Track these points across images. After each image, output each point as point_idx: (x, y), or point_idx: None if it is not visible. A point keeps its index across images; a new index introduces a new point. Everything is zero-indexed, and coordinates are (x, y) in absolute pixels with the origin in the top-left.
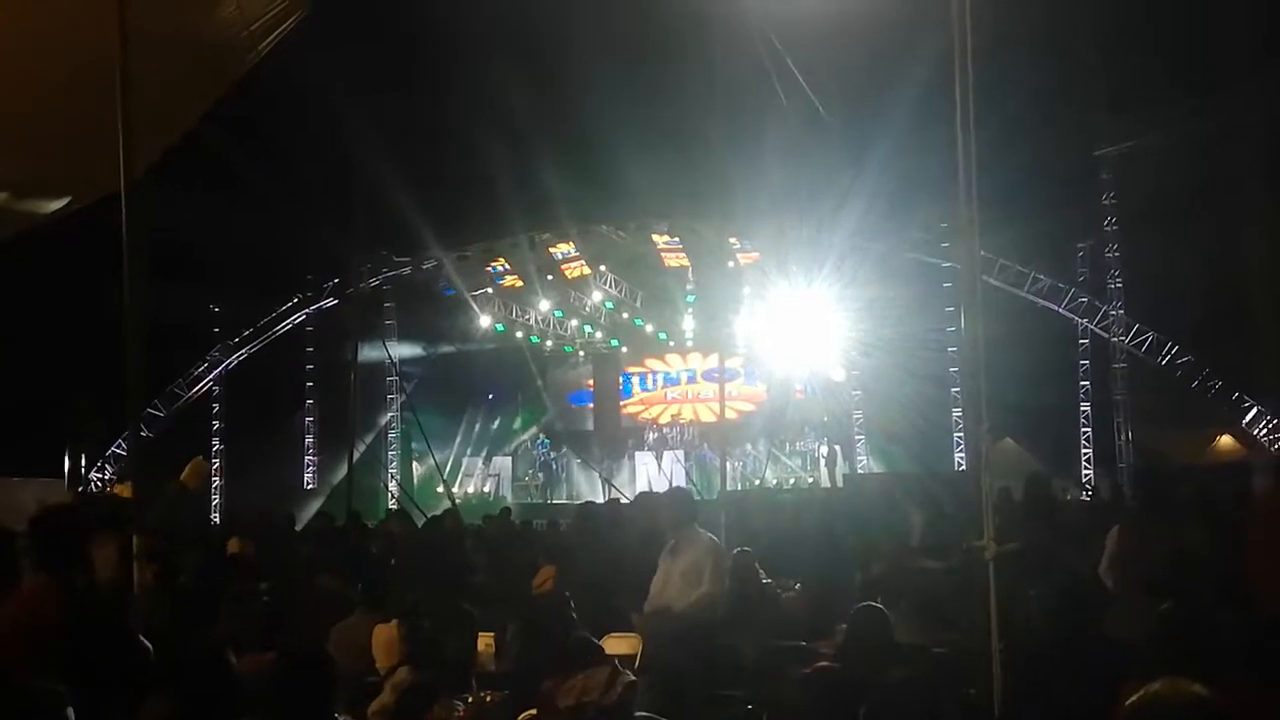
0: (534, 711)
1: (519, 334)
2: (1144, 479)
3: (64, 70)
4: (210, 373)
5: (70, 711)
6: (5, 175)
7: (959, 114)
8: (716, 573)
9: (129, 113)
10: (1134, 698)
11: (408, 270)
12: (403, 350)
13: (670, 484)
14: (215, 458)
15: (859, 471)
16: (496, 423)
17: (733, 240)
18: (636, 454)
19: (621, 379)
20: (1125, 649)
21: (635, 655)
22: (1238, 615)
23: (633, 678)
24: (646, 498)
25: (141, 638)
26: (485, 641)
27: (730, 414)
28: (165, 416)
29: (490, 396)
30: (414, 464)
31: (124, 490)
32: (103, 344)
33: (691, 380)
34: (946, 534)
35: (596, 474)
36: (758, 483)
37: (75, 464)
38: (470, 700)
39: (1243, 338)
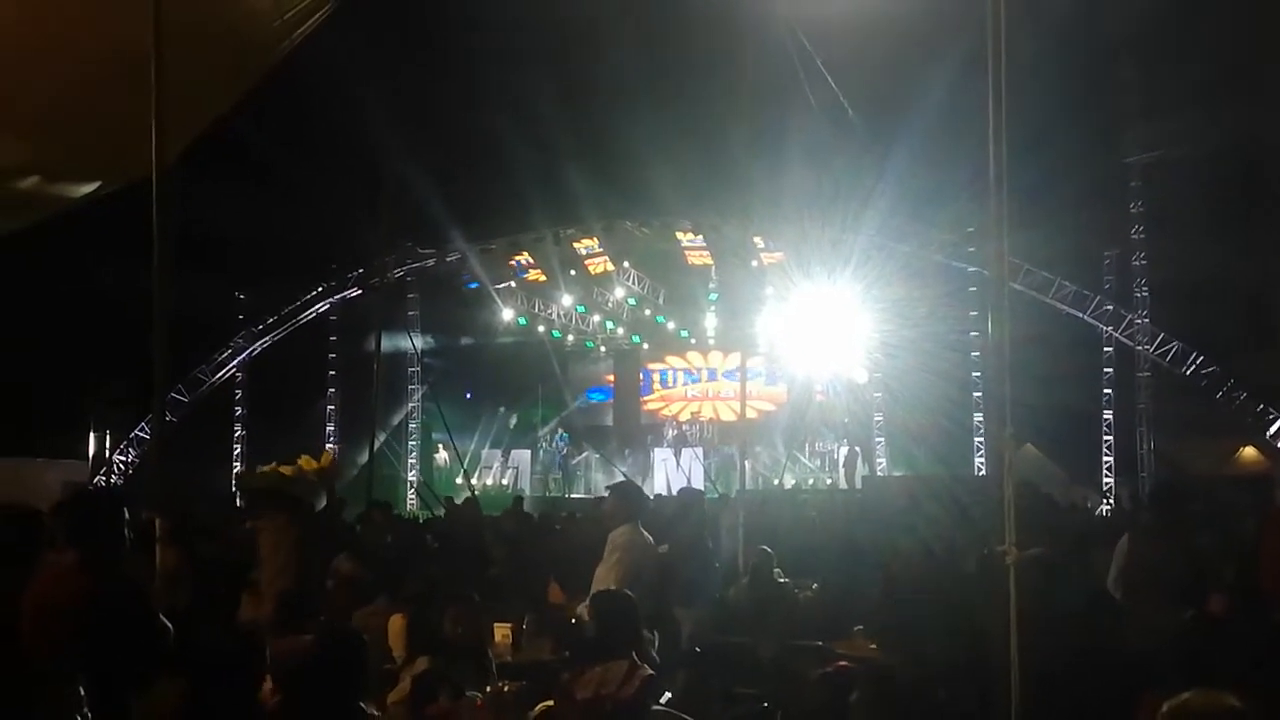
0: (551, 703)
1: (541, 328)
2: (1158, 490)
3: (97, 56)
4: (233, 360)
5: (80, 689)
6: (36, 159)
7: (991, 116)
8: (621, 564)
9: (161, 99)
10: (1166, 708)
11: (431, 262)
12: (425, 342)
13: (689, 482)
14: (236, 444)
15: (878, 474)
16: (516, 416)
17: (757, 240)
18: (655, 450)
19: (642, 375)
20: (1142, 657)
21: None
22: (1256, 625)
23: (650, 671)
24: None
25: (163, 618)
26: (503, 632)
27: (750, 413)
28: (188, 402)
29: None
30: (435, 455)
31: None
32: (128, 329)
33: (712, 378)
34: (967, 538)
35: (615, 470)
36: (776, 483)
37: (100, 447)
38: (488, 690)
39: (1268, 349)
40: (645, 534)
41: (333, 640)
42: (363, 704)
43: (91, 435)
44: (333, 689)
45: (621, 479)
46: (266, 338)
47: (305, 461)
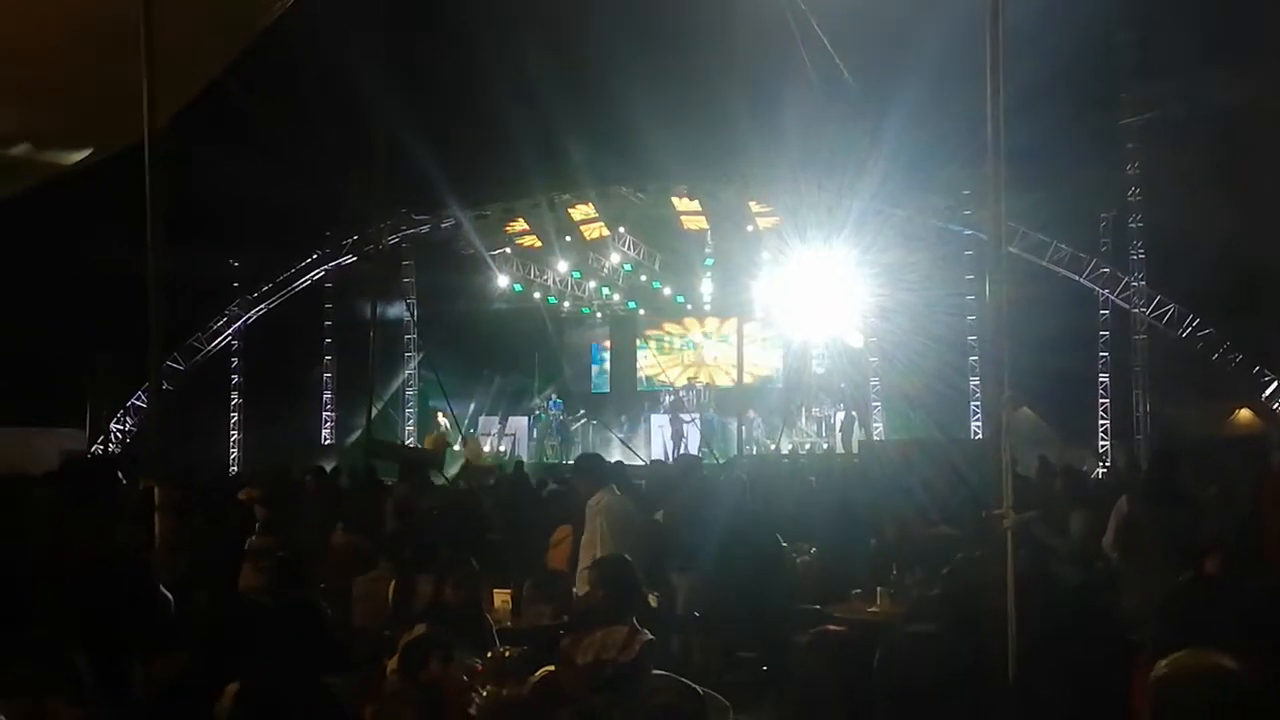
0: (551, 668)
1: (537, 295)
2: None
3: (87, 19)
4: (229, 327)
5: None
6: (27, 126)
7: (988, 80)
8: (601, 528)
9: (153, 62)
10: (1161, 668)
11: (426, 229)
12: (420, 308)
13: (685, 447)
14: (233, 412)
15: (875, 438)
16: (513, 383)
17: (752, 204)
18: (653, 417)
19: (638, 341)
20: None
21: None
22: (1252, 586)
23: (650, 637)
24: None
25: (163, 589)
26: (503, 598)
27: (747, 379)
28: (184, 370)
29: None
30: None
31: (431, 441)
32: (123, 297)
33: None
34: (964, 501)
35: (612, 436)
36: (773, 448)
37: (96, 415)
38: (490, 655)
39: (1264, 312)
40: (620, 493)
41: (288, 610)
42: (327, 675)
43: (88, 404)
44: (288, 661)
45: (616, 444)
46: (262, 305)
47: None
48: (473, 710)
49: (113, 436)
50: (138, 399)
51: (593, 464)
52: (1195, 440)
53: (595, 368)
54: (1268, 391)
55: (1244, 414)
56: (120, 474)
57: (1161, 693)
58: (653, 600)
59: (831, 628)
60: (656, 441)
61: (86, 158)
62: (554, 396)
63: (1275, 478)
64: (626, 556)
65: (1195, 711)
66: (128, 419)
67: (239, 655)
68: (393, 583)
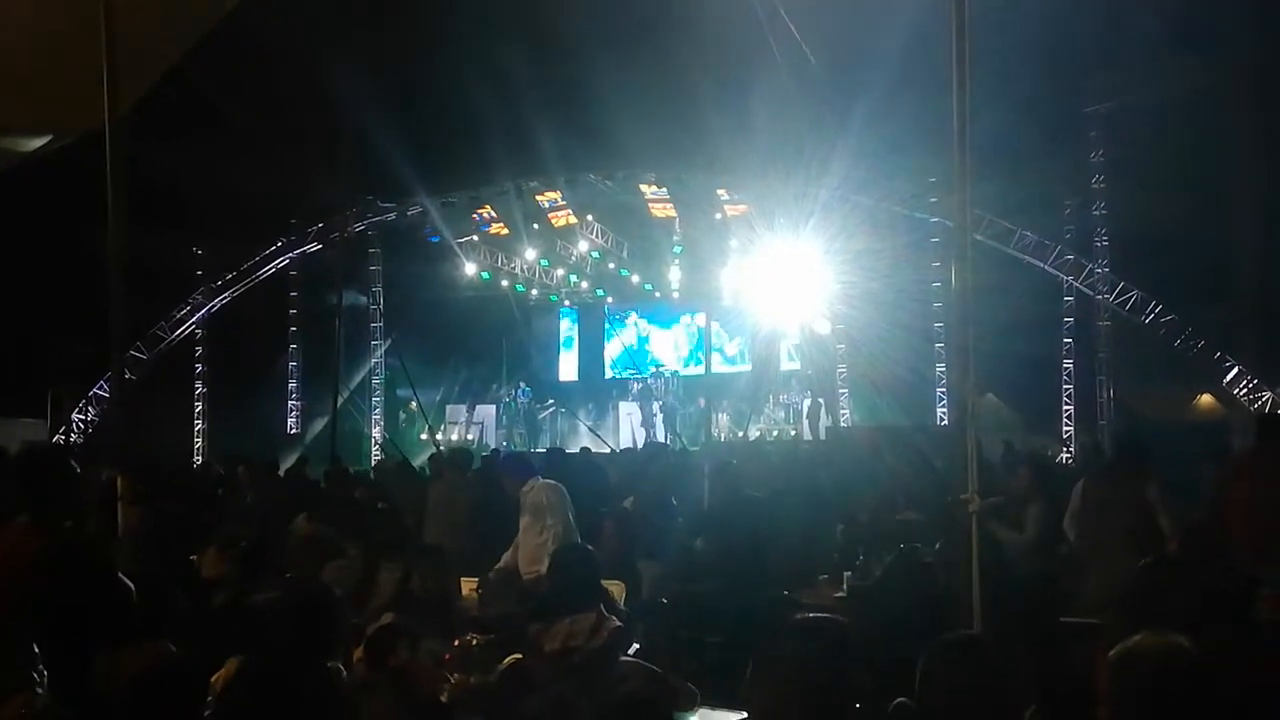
0: (519, 655)
1: (504, 282)
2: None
3: (46, 4)
4: (193, 316)
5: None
6: None
7: (954, 69)
8: (553, 514)
9: (113, 49)
10: (1116, 649)
11: (392, 216)
12: (387, 297)
13: (652, 435)
14: (198, 401)
15: (842, 425)
16: (481, 371)
17: (720, 192)
18: (621, 404)
19: (606, 327)
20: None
21: (619, 602)
22: (1211, 570)
23: (619, 623)
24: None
25: (124, 579)
26: (470, 586)
27: (715, 367)
28: (147, 359)
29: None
30: (400, 411)
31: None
32: (85, 285)
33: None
34: (930, 486)
35: (580, 424)
36: (741, 435)
37: (57, 405)
38: (458, 643)
39: (1226, 298)
40: (548, 481)
41: (302, 598)
42: (333, 662)
43: (49, 394)
44: (300, 647)
45: (584, 432)
46: (226, 294)
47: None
48: (443, 698)
49: (74, 426)
50: (100, 389)
51: (511, 463)
52: (1158, 425)
53: (563, 355)
54: (1229, 377)
55: (1206, 399)
56: (74, 463)
57: (1116, 672)
58: (617, 589)
59: (810, 614)
60: (625, 429)
61: (46, 144)
62: (522, 384)
63: (1236, 462)
64: (589, 547)
65: (1150, 690)
66: (90, 409)
67: (217, 645)
68: (360, 570)
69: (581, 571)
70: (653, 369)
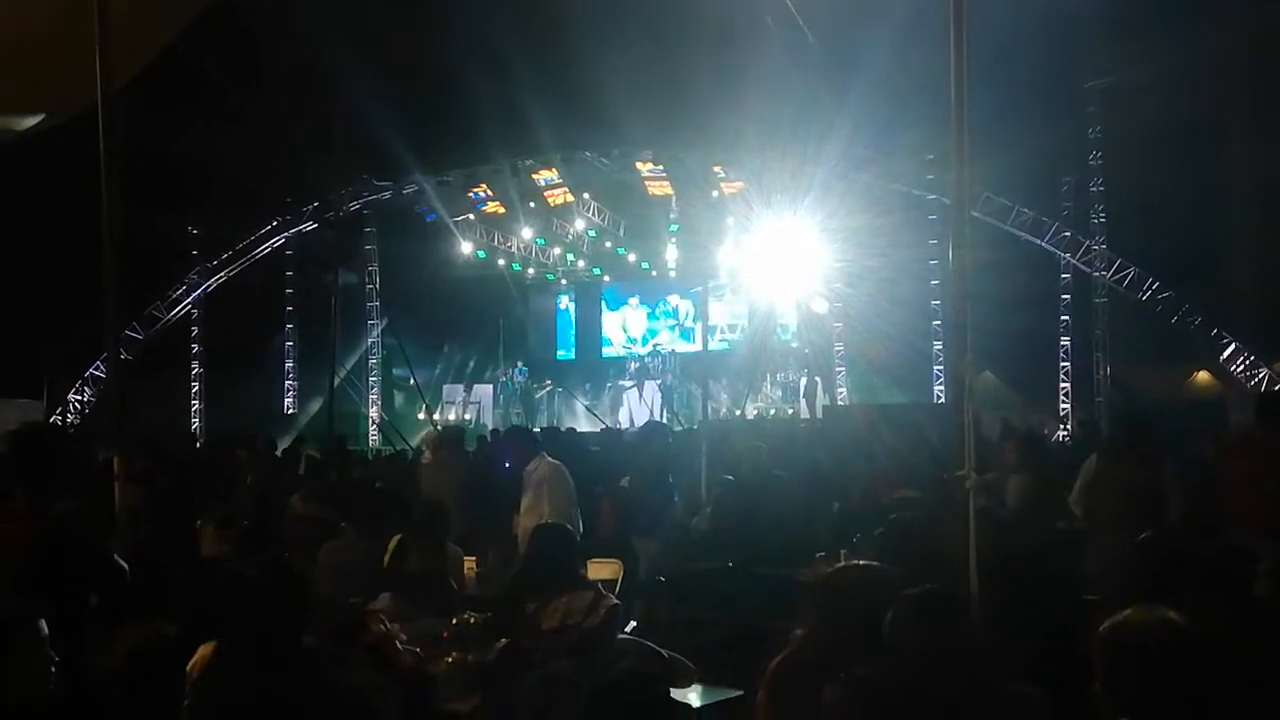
0: (517, 633)
1: (501, 261)
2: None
3: None
4: (188, 296)
5: (42, 624)
6: None
7: (952, 46)
8: (555, 493)
9: (106, 26)
10: (1106, 623)
11: (388, 195)
12: (383, 276)
13: (650, 414)
14: (194, 381)
15: (839, 403)
16: (477, 351)
17: (717, 170)
18: (618, 383)
19: (603, 306)
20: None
21: (616, 580)
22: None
23: (616, 601)
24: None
25: (118, 559)
26: (468, 565)
27: (712, 345)
28: (143, 339)
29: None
30: (395, 391)
31: None
32: (80, 265)
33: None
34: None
35: (578, 402)
36: (738, 413)
37: (54, 386)
38: (455, 621)
39: (1223, 275)
40: (553, 460)
41: (271, 573)
42: (306, 637)
43: (45, 374)
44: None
45: (582, 411)
46: (222, 273)
47: None
48: (437, 675)
49: (71, 407)
50: (96, 369)
51: (521, 435)
52: (1155, 401)
53: (560, 334)
54: (1225, 354)
55: (1202, 376)
56: (69, 444)
57: (1107, 646)
58: (614, 567)
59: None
60: (622, 408)
61: (40, 123)
62: (519, 364)
63: (1233, 439)
64: (567, 525)
65: (1140, 665)
66: (86, 389)
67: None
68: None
69: (555, 551)
70: (650, 346)
